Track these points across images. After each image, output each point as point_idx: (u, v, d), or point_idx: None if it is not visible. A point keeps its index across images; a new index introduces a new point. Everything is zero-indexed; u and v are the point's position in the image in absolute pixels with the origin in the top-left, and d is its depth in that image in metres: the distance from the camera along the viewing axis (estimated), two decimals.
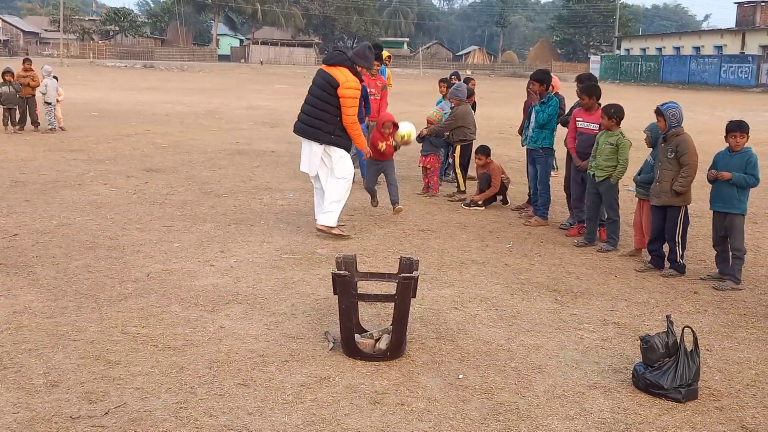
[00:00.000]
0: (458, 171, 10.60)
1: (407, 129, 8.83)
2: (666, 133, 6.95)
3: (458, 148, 10.57)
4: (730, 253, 6.84)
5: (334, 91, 7.63)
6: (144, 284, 6.25)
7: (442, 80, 11.93)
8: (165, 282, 6.34)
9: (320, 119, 7.71)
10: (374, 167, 8.95)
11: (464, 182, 10.61)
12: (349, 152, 7.94)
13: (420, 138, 10.51)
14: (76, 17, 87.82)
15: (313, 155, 7.81)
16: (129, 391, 4.34)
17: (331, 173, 7.85)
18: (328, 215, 7.88)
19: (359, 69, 7.78)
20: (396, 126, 8.73)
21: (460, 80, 12.04)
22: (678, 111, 6.97)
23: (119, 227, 8.08)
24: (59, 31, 70.57)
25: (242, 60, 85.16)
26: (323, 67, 7.82)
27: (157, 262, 6.90)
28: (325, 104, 7.69)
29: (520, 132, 10.13)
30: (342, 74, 7.65)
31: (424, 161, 10.63)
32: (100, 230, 7.93)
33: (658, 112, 6.99)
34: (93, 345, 4.96)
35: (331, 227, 7.88)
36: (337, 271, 4.95)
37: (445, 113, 10.96)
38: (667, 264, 7.15)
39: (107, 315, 5.52)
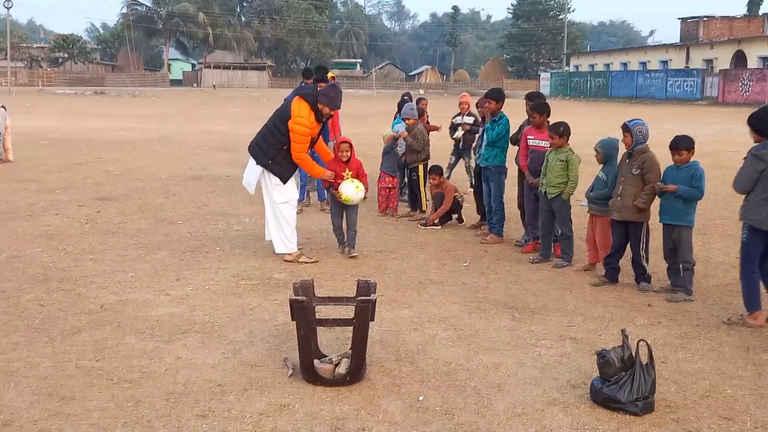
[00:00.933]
0: (422, 190, 10.66)
1: (347, 194, 7.99)
2: (632, 150, 7.07)
3: (420, 167, 10.62)
4: (681, 265, 6.97)
5: (286, 121, 7.64)
6: (98, 316, 6.14)
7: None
8: (120, 313, 6.23)
9: (265, 141, 7.74)
10: (337, 206, 8.32)
11: (426, 202, 10.68)
12: (285, 182, 7.79)
13: (390, 148, 10.76)
14: (24, 45, 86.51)
15: (251, 172, 7.84)
16: (84, 427, 4.25)
17: (269, 198, 7.85)
18: (282, 243, 7.85)
19: (321, 107, 7.66)
20: (352, 147, 8.25)
21: (411, 101, 12.14)
22: (645, 128, 7.09)
23: (71, 258, 7.94)
24: (6, 59, 69.43)
25: (195, 84, 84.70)
26: (296, 97, 7.82)
27: (111, 293, 6.79)
28: (274, 129, 7.73)
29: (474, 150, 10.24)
30: (298, 108, 7.62)
31: (388, 181, 10.63)
32: (51, 262, 7.78)
33: (625, 128, 7.08)
34: (46, 381, 4.85)
35: (296, 256, 7.86)
36: (294, 297, 4.92)
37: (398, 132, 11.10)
38: (638, 279, 7.21)
39: (60, 349, 5.40)
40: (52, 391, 4.70)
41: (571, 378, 5.08)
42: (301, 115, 7.58)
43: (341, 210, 8.32)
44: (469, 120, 11.93)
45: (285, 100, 8.06)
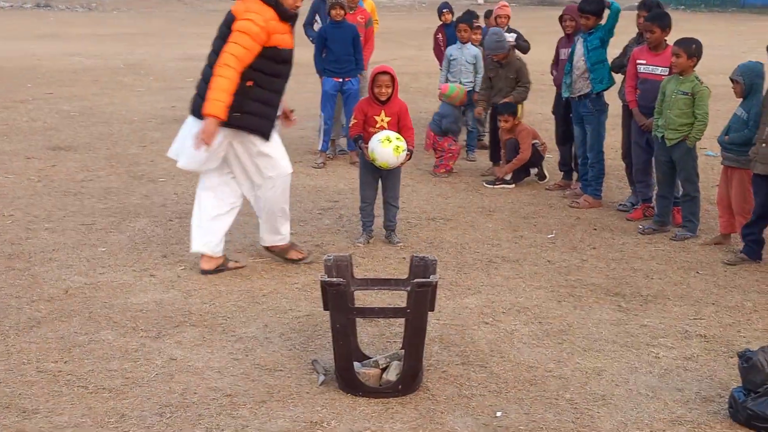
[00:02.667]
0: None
1: (383, 159, 7.45)
2: None
3: (520, 109, 10.48)
4: None
5: (230, 34, 6.53)
6: (62, 304, 6.28)
7: (461, 20, 11.91)
8: (90, 300, 6.36)
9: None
10: (369, 171, 7.85)
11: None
12: (267, 139, 6.79)
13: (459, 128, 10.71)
14: None
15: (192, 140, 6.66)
16: None
17: (252, 176, 6.95)
18: (279, 235, 7.20)
19: (289, 2, 6.63)
20: (395, 81, 7.67)
21: (451, 12, 12.41)
22: None
23: (22, 228, 8.10)
24: None
25: None
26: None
27: (77, 273, 6.92)
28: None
29: (553, 72, 10.19)
30: (244, 6, 6.56)
31: (439, 143, 10.55)
32: None
33: None
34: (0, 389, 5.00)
35: (287, 242, 7.23)
36: (327, 279, 4.99)
37: (468, 63, 11.09)
38: None
39: (15, 348, 5.55)
40: (8, 403, 4.83)
41: (702, 389, 5.12)
42: (251, 9, 6.50)
43: (375, 176, 7.86)
44: (511, 38, 11.85)
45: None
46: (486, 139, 11.64)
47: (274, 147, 6.91)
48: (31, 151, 11.48)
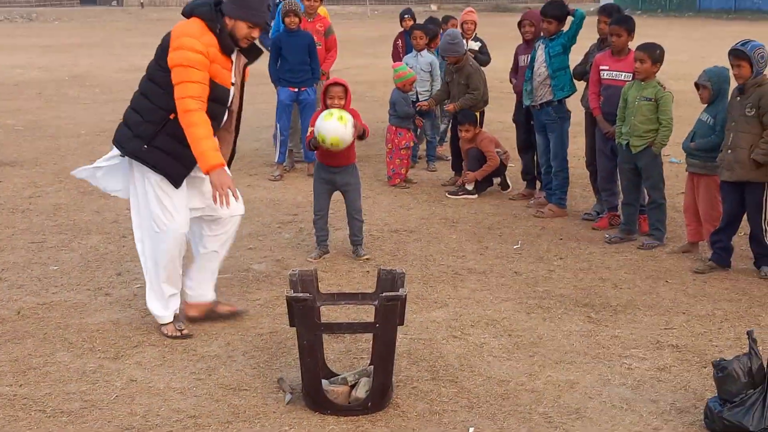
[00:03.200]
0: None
1: (332, 133, 7.27)
2: (744, 83, 7.11)
3: (478, 116, 10.53)
4: None
5: (165, 58, 5.82)
6: (15, 325, 6.22)
7: (416, 27, 11.95)
8: (44, 321, 6.31)
9: (138, 109, 5.96)
10: (323, 180, 7.85)
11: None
12: (177, 186, 5.92)
13: (420, 113, 10.58)
14: None
15: (114, 172, 6.19)
16: None
17: (140, 215, 6.09)
18: (155, 300, 6.14)
19: (231, 23, 5.85)
20: (348, 92, 7.60)
21: (412, 20, 12.43)
22: (766, 52, 7.13)
23: None
24: None
25: (114, 2, 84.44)
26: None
27: (28, 293, 6.86)
28: (149, 83, 5.95)
29: (512, 80, 10.26)
30: (181, 28, 5.82)
31: (401, 139, 10.52)
32: None
33: (738, 54, 7.09)
34: None
35: (174, 329, 6.14)
36: (294, 294, 4.99)
37: (427, 71, 11.12)
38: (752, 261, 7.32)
39: None
40: None
41: (676, 399, 5.17)
42: (187, 33, 5.75)
43: (328, 187, 7.84)
44: (475, 46, 11.95)
45: None
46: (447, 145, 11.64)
47: (177, 199, 5.95)
48: None
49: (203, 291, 6.32)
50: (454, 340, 6.01)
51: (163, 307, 6.08)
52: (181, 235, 5.97)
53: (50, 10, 52.75)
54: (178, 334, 6.03)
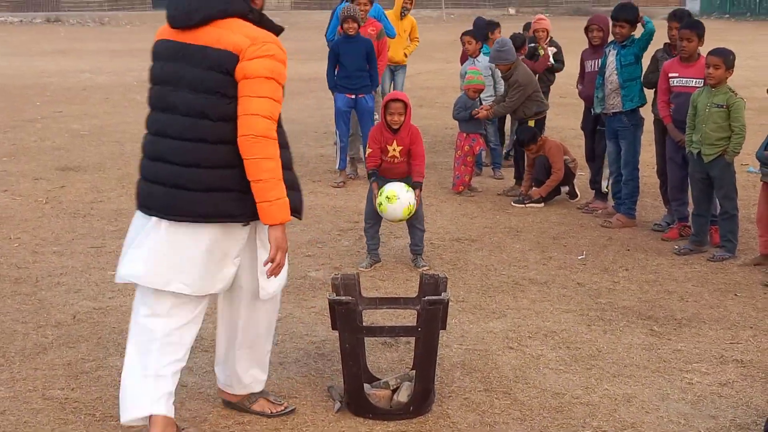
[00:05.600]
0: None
1: (393, 212, 7.39)
2: None
3: (531, 124, 10.57)
4: None
5: (229, 75, 4.47)
6: (70, 329, 6.40)
7: (465, 33, 12.00)
8: (99, 325, 6.48)
9: (216, 166, 4.53)
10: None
11: None
12: (301, 214, 4.91)
13: (468, 116, 10.57)
14: None
15: (206, 254, 4.64)
16: None
17: (248, 291, 4.94)
18: (257, 380, 5.23)
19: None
20: (408, 108, 7.61)
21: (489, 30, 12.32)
22: None
23: (29, 251, 8.25)
24: None
25: None
26: (175, 35, 4.64)
27: (85, 297, 7.04)
28: (209, 126, 4.50)
29: (578, 86, 10.26)
30: (241, 31, 4.52)
31: (473, 146, 10.56)
32: (2, 257, 8.09)
33: None
34: (4, 417, 5.11)
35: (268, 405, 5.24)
36: (335, 297, 5.10)
37: (488, 76, 11.12)
38: None
39: (21, 375, 5.67)
40: (13, 431, 4.93)
41: (737, 416, 5.16)
42: (260, 38, 4.51)
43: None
44: (550, 51, 11.93)
45: (172, 59, 4.64)
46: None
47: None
48: (40, 172, 11.66)
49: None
50: (510, 352, 6.06)
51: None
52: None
53: (122, 14, 53.62)
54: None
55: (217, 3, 4.53)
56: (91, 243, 8.49)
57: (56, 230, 8.92)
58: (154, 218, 4.57)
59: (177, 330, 4.67)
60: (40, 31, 40.85)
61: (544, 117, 10.80)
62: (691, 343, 6.23)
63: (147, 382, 4.61)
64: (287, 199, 4.54)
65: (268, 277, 4.68)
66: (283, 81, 4.55)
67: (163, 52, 4.66)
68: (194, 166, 4.49)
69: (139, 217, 4.70)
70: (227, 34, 4.47)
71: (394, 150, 7.69)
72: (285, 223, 4.55)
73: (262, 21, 4.63)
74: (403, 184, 7.47)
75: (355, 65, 10.74)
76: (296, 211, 4.74)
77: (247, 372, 5.12)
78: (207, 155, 4.48)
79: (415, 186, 7.59)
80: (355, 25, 10.66)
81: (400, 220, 7.57)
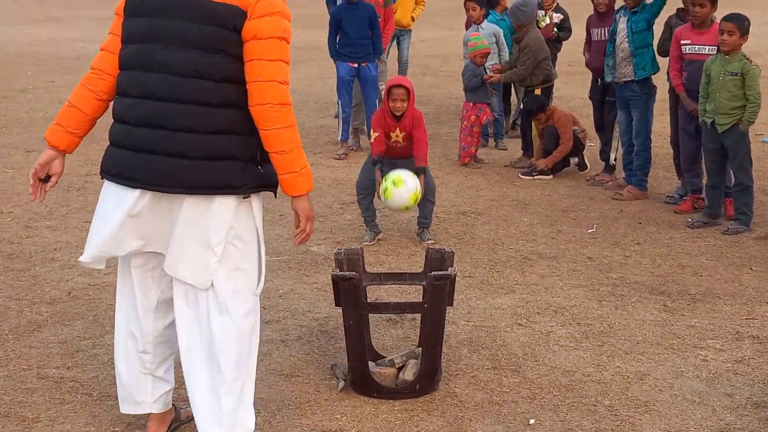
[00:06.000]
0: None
1: (397, 201, 7.13)
2: None
3: (538, 92, 10.57)
4: None
5: (235, 32, 4.10)
6: (65, 306, 6.38)
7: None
8: (95, 302, 6.47)
9: (220, 130, 4.16)
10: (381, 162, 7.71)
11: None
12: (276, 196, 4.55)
13: (480, 82, 10.51)
14: None
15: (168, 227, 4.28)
16: None
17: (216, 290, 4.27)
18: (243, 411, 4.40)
19: None
20: (411, 93, 7.57)
21: None
22: None
23: (21, 226, 8.23)
24: None
25: None
26: None
27: (80, 273, 7.02)
28: (209, 86, 4.13)
29: (585, 54, 10.23)
30: None
31: (480, 115, 10.51)
32: None
33: None
34: None
35: None
36: (338, 273, 5.08)
37: (492, 43, 11.06)
38: None
39: (16, 352, 5.65)
40: (7, 411, 4.92)
41: (753, 393, 5.14)
42: None
43: (387, 168, 7.49)
44: (557, 18, 11.87)
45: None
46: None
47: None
48: (32, 143, 11.63)
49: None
50: (518, 328, 6.04)
51: (252, 414, 4.46)
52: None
53: None
54: None
55: None
56: (85, 217, 8.45)
57: (50, 204, 8.89)
58: (137, 190, 4.17)
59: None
60: None
61: (552, 86, 10.77)
62: (705, 318, 6.20)
63: (146, 380, 4.54)
64: (309, 168, 4.30)
65: (297, 245, 4.53)
66: (289, 38, 4.22)
67: (147, 6, 4.20)
68: (192, 131, 4.11)
69: (112, 188, 4.30)
70: None
71: (396, 136, 7.68)
72: (306, 195, 4.29)
73: None
74: (408, 171, 7.28)
75: (357, 32, 10.65)
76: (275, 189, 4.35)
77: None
78: (208, 119, 4.11)
79: (419, 172, 7.41)
80: None
81: (406, 208, 7.31)
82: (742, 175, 8.04)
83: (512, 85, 11.77)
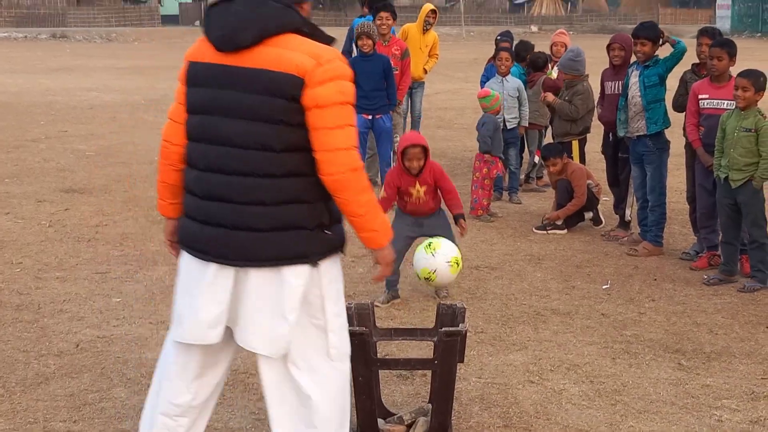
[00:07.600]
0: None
1: (441, 275, 7.17)
2: None
3: (576, 145, 10.64)
4: None
5: (294, 101, 4.07)
6: (72, 359, 6.40)
7: (504, 48, 11.97)
8: (102, 355, 6.48)
9: (283, 202, 4.16)
10: (406, 223, 7.70)
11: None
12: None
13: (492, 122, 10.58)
14: None
15: (273, 305, 4.23)
16: None
17: (319, 353, 4.39)
18: None
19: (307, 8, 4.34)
20: (427, 152, 7.49)
21: (510, 43, 12.41)
22: None
23: (31, 276, 8.27)
24: None
25: (197, 22, 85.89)
26: (220, 57, 4.17)
27: (88, 326, 7.05)
28: (271, 157, 4.11)
29: (598, 108, 10.30)
30: (300, 48, 4.11)
31: (491, 168, 10.55)
32: (3, 282, 8.12)
33: None
34: None
35: None
36: (349, 328, 5.08)
37: (515, 97, 11.14)
38: None
39: (22, 405, 5.67)
40: None
41: None
42: (323, 55, 4.14)
43: (414, 230, 7.70)
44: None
45: (220, 85, 4.19)
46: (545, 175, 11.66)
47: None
48: (43, 193, 11.70)
49: None
50: (530, 386, 6.03)
51: None
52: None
53: (130, 30, 53.89)
54: None
55: (271, 18, 4.10)
56: (95, 268, 8.51)
57: (60, 255, 8.95)
58: (213, 264, 4.21)
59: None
60: (45, 48, 41.13)
61: (586, 139, 10.83)
62: (720, 378, 6.19)
63: None
64: (386, 218, 4.37)
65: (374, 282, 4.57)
66: (353, 100, 4.20)
67: (204, 76, 4.21)
68: (259, 203, 4.12)
69: (188, 259, 4.34)
70: (285, 53, 4.06)
71: (418, 192, 7.60)
72: (386, 247, 4.36)
73: (315, 33, 4.20)
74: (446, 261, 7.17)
75: (371, 84, 10.72)
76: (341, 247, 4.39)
77: None
78: (273, 190, 4.11)
79: (458, 217, 7.59)
80: (370, 42, 10.67)
81: (452, 275, 7.27)
82: (757, 231, 8.04)
83: (525, 139, 11.82)
